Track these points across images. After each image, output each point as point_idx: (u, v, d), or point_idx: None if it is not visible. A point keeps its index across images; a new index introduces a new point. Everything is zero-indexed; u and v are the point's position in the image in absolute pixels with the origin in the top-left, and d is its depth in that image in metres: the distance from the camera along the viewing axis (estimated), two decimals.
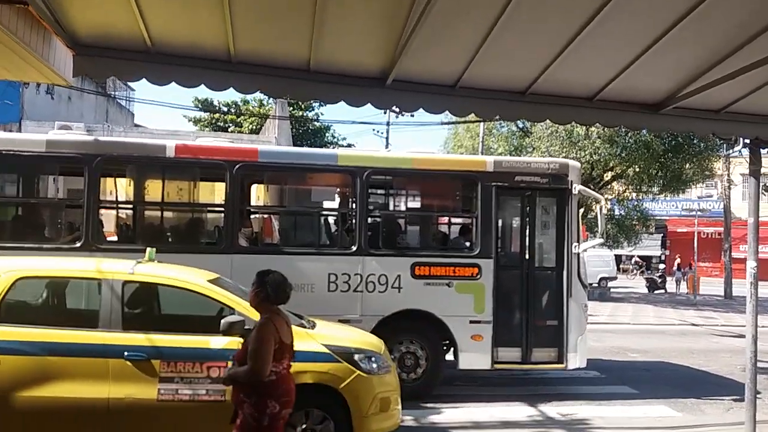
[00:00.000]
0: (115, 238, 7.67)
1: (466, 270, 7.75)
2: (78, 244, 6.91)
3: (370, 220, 7.83)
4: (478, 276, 7.72)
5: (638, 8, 4.44)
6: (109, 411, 4.54)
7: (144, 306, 5.25)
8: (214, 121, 33.13)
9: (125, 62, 5.15)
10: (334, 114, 75.16)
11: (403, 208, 9.34)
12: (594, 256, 24.49)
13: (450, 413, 6.97)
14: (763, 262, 9.19)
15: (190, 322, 5.07)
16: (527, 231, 8.23)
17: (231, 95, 36.11)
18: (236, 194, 7.45)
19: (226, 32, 4.71)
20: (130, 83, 23.38)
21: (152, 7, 4.46)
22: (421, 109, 5.89)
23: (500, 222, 8.23)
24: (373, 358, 5.11)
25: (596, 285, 25.02)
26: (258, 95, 28.61)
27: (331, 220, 8.50)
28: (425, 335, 7.71)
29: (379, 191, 8.75)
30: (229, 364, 3.95)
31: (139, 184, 7.82)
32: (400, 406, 5.30)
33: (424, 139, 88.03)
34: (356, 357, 5.00)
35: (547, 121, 6.80)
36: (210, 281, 5.10)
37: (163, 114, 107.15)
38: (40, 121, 16.76)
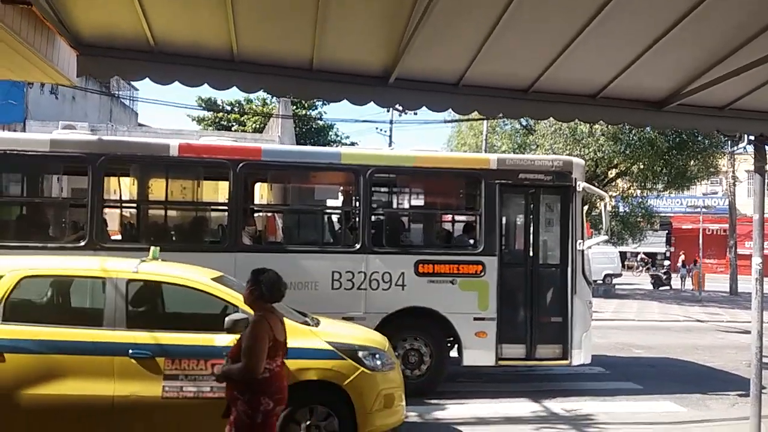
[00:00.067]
0: (119, 237, 7.70)
1: (470, 267, 7.76)
2: (82, 243, 6.94)
3: (373, 218, 7.84)
4: (482, 273, 7.73)
5: (639, 8, 4.44)
6: (114, 408, 4.56)
7: (148, 304, 5.26)
8: (217, 120, 33.20)
9: (129, 62, 5.17)
10: (337, 113, 75.18)
11: (406, 206, 9.35)
12: (599, 253, 24.42)
13: (454, 409, 6.98)
14: None
15: (194, 320, 5.09)
16: (531, 228, 8.22)
17: (234, 94, 36.20)
18: (240, 193, 7.47)
19: (228, 31, 4.73)
20: (133, 83, 23.44)
21: (155, 6, 4.47)
22: (424, 108, 5.90)
23: (504, 219, 8.23)
24: (377, 355, 5.12)
25: (601, 282, 24.98)
26: (261, 94, 28.68)
27: (334, 218, 8.51)
28: (429, 332, 7.72)
29: (382, 189, 8.76)
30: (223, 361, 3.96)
31: (142, 184, 7.85)
32: (404, 403, 5.32)
33: (427, 137, 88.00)
34: (360, 354, 5.01)
35: (551, 119, 6.79)
36: (214, 279, 5.12)
37: (166, 113, 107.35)
38: (45, 120, 16.82)
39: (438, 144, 34.71)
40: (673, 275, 29.76)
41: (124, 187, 8.20)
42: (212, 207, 8.36)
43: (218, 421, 3.87)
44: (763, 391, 6.36)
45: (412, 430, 6.03)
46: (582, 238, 8.04)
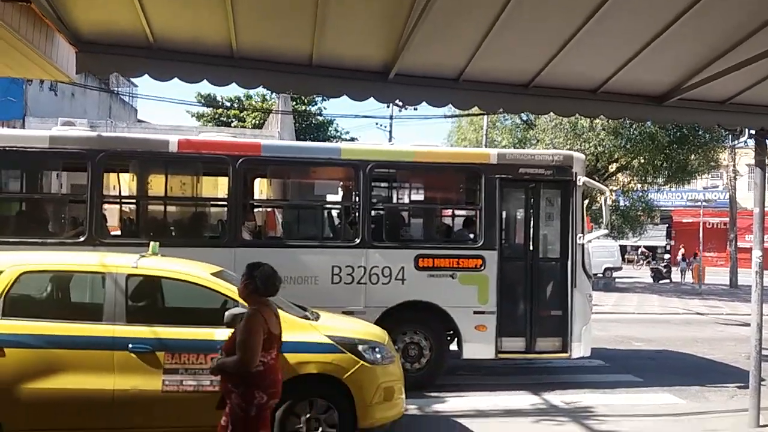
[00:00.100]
0: (118, 233, 7.71)
1: (470, 261, 7.77)
2: (82, 239, 6.96)
3: (373, 213, 7.85)
4: (482, 267, 7.74)
5: (639, 4, 4.45)
6: (114, 402, 4.58)
7: (148, 299, 5.28)
8: (217, 117, 33.17)
9: (128, 58, 5.18)
10: (336, 108, 74.99)
11: (406, 201, 9.35)
12: (599, 247, 24.43)
13: (454, 402, 7.00)
14: None
15: (193, 314, 5.11)
16: (531, 222, 8.23)
17: (234, 90, 36.24)
18: (239, 188, 7.48)
19: (228, 28, 4.73)
20: (132, 79, 23.42)
21: (154, 3, 4.48)
22: (424, 103, 5.91)
23: (504, 214, 8.23)
24: (376, 349, 5.14)
25: (601, 275, 25.00)
26: (261, 90, 28.70)
27: (334, 213, 8.52)
28: (429, 326, 7.74)
29: (382, 184, 8.77)
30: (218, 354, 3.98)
31: (142, 179, 7.86)
32: (404, 396, 5.34)
33: (427, 133, 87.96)
34: (360, 347, 5.03)
35: (551, 113, 6.79)
36: (213, 274, 5.14)
37: (166, 110, 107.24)
38: (44, 117, 16.83)
39: (438, 139, 34.72)
40: (673, 269, 29.79)
41: (124, 183, 8.21)
42: (212, 202, 8.37)
43: (217, 414, 3.89)
44: (762, 383, 6.39)
45: (412, 423, 6.05)
46: (582, 232, 8.05)
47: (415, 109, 27.82)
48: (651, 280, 28.55)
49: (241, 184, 7.54)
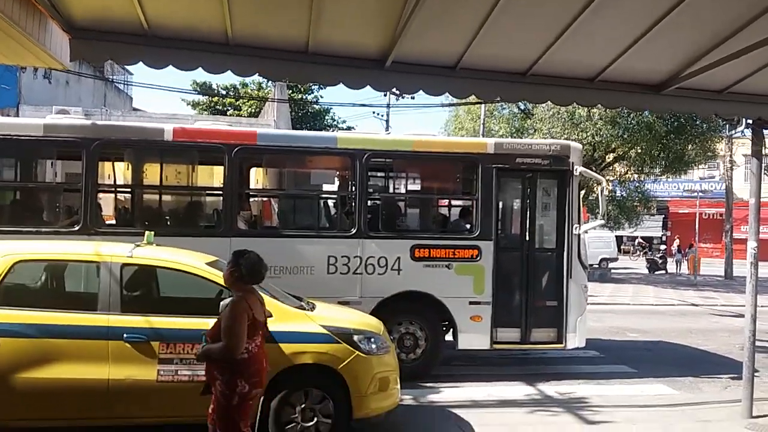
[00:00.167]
0: (113, 222, 7.68)
1: (466, 252, 7.76)
2: (76, 228, 6.93)
3: (369, 202, 7.83)
4: (478, 258, 7.74)
5: None
6: (109, 392, 4.58)
7: (143, 288, 5.27)
8: (212, 105, 33.00)
9: (122, 45, 5.13)
10: (333, 97, 74.75)
11: (403, 190, 9.33)
12: (595, 238, 24.52)
13: (449, 392, 7.02)
14: (764, 243, 9.18)
15: (188, 304, 5.10)
16: (528, 213, 8.22)
17: (229, 78, 35.95)
18: (235, 178, 7.44)
19: (223, 15, 4.69)
20: (127, 67, 23.23)
21: None
22: (421, 92, 5.87)
23: (501, 204, 8.22)
24: (372, 339, 5.14)
25: (597, 266, 25.08)
26: (257, 78, 28.46)
27: (330, 203, 8.50)
28: (424, 316, 7.74)
29: (378, 174, 8.74)
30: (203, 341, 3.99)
31: (137, 168, 7.81)
32: (399, 386, 5.35)
33: (424, 122, 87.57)
34: (355, 338, 5.03)
35: (549, 102, 6.77)
36: (209, 264, 5.12)
37: (161, 98, 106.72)
38: (38, 105, 16.72)
39: (435, 128, 34.64)
40: (669, 259, 29.89)
41: (119, 171, 8.16)
42: (207, 192, 8.34)
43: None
44: (755, 374, 6.43)
45: (407, 413, 6.06)
46: (578, 223, 8.05)
47: (413, 98, 27.91)
48: (647, 271, 28.66)
49: (236, 173, 7.50)
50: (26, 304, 4.76)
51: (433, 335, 7.72)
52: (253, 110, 30.43)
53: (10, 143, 7.03)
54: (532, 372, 8.16)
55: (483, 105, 22.09)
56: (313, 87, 33.16)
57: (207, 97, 33.04)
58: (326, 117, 36.39)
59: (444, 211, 9.20)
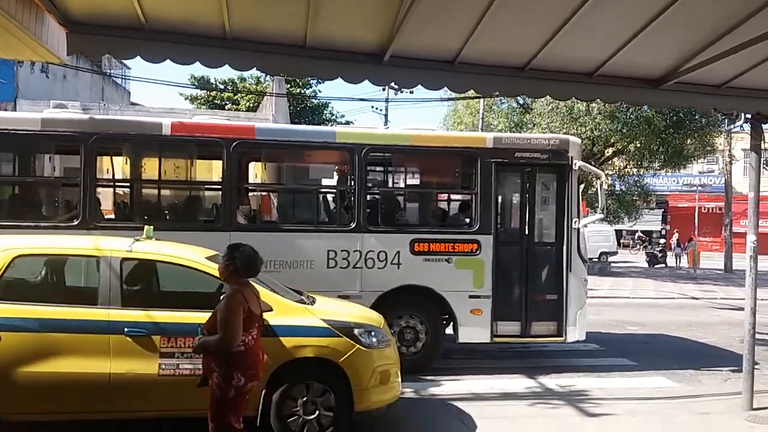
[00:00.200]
0: (112, 216, 7.67)
1: (466, 246, 7.76)
2: (75, 223, 6.91)
3: (368, 197, 7.81)
4: (478, 252, 7.74)
5: None
6: (111, 386, 4.57)
7: (143, 283, 5.26)
8: (210, 99, 32.93)
9: (119, 40, 5.11)
10: (332, 91, 74.66)
11: (402, 185, 9.32)
12: (594, 232, 24.51)
13: (449, 386, 7.03)
14: (763, 236, 9.19)
15: (189, 298, 5.09)
16: (527, 207, 8.22)
17: (227, 73, 35.93)
18: (234, 172, 7.42)
19: (220, 8, 4.66)
20: (125, 61, 23.18)
21: None
22: (419, 86, 5.85)
23: (500, 198, 8.22)
24: (372, 333, 5.14)
25: (596, 260, 25.10)
26: (255, 73, 28.44)
27: (329, 197, 8.49)
28: (425, 310, 7.75)
29: (377, 168, 8.73)
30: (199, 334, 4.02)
31: (135, 162, 7.79)
32: (399, 379, 5.35)
33: (423, 116, 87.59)
34: (356, 331, 5.02)
35: (548, 97, 6.75)
36: (208, 258, 5.10)
37: (159, 92, 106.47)
38: (35, 100, 16.67)
39: (434, 123, 34.56)
40: (668, 253, 29.92)
41: (117, 166, 8.15)
42: (206, 186, 8.32)
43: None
44: (755, 366, 6.44)
45: (408, 406, 6.08)
46: (578, 217, 8.05)
47: (411, 92, 27.77)
48: (646, 265, 28.69)
49: (235, 167, 7.48)
50: (26, 299, 4.75)
51: (433, 329, 7.73)
52: (251, 105, 30.36)
53: (7, 138, 7.00)
54: (533, 365, 8.17)
55: (482, 99, 22.07)
56: (311, 81, 33.08)
57: (205, 91, 32.97)
58: (325, 111, 36.32)
59: (443, 205, 9.19)
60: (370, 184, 7.93)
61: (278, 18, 4.93)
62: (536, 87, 5.99)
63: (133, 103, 24.95)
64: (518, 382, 7.31)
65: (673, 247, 30.34)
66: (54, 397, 4.56)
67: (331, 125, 31.50)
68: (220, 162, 7.37)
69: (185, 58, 5.14)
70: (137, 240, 5.11)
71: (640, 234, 39.31)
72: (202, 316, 4.69)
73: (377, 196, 8.12)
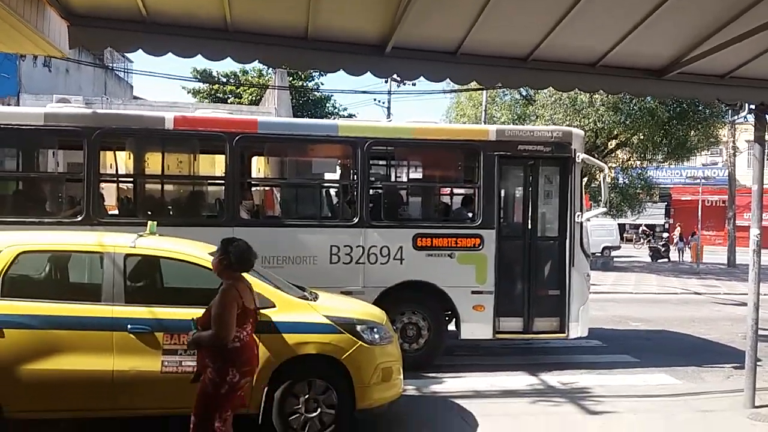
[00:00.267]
0: (116, 212, 7.65)
1: (468, 241, 7.74)
2: (79, 218, 6.90)
3: (371, 191, 7.78)
4: (480, 247, 7.71)
5: None
6: (114, 383, 4.58)
7: (146, 279, 5.25)
8: (213, 93, 32.87)
9: (121, 33, 5.09)
10: (334, 84, 74.45)
11: (404, 179, 9.28)
12: (597, 226, 24.49)
13: (452, 383, 7.03)
14: (767, 230, 9.15)
15: (192, 294, 5.08)
16: (530, 201, 8.17)
17: (230, 66, 35.80)
18: (236, 166, 7.40)
19: (221, 0, 4.63)
20: (127, 54, 23.13)
21: None
22: (422, 78, 5.81)
23: (503, 192, 8.18)
24: (375, 329, 5.13)
25: (599, 254, 25.06)
26: (257, 65, 28.38)
27: (332, 191, 8.45)
28: (427, 306, 7.73)
29: (380, 162, 8.69)
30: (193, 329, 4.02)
31: (138, 157, 7.77)
32: (402, 376, 5.35)
33: (426, 109, 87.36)
34: (358, 328, 5.01)
35: (550, 88, 6.72)
36: (211, 254, 5.08)
37: (162, 85, 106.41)
38: (38, 94, 16.65)
39: (437, 115, 34.51)
40: (672, 247, 29.85)
41: (120, 160, 8.13)
42: (209, 181, 8.30)
43: None
44: (758, 363, 6.41)
45: (410, 404, 6.08)
46: (581, 211, 8.00)
47: (414, 84, 27.69)
48: (649, 260, 28.63)
49: (238, 161, 7.47)
50: (30, 295, 4.75)
51: (435, 325, 7.71)
52: (253, 98, 30.32)
53: (10, 132, 6.99)
54: (535, 362, 8.16)
55: (485, 91, 21.97)
56: (313, 74, 33.01)
57: (207, 84, 32.93)
58: (327, 104, 36.26)
59: (446, 199, 9.15)
60: (372, 178, 7.90)
61: (280, 9, 4.90)
62: (539, 78, 5.96)
63: (135, 97, 24.91)
64: (520, 379, 7.30)
65: (675, 241, 30.28)
66: (57, 394, 4.57)
67: (334, 118, 31.48)
68: (223, 156, 7.35)
69: (187, 51, 5.12)
70: (141, 236, 5.11)
71: (644, 228, 39.24)
72: None
73: (380, 191, 8.09)
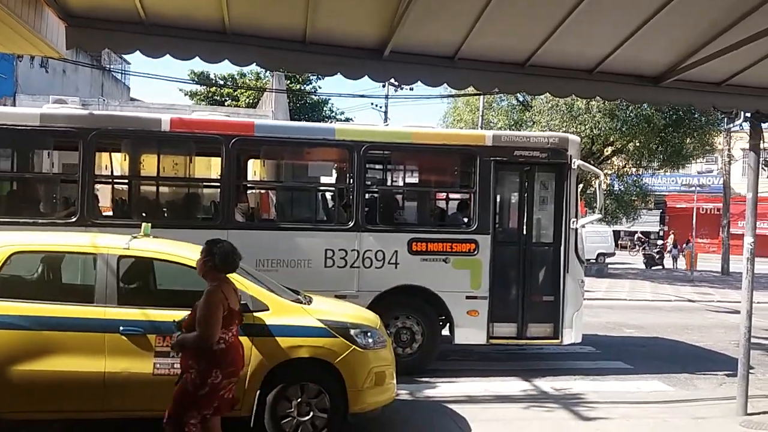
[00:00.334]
0: (110, 213, 7.64)
1: (463, 246, 7.74)
2: (73, 219, 6.88)
3: (367, 195, 7.79)
4: (475, 252, 7.72)
5: None
6: (105, 385, 4.56)
7: (139, 281, 5.23)
8: (210, 95, 32.86)
9: (119, 34, 5.09)
10: (332, 87, 74.55)
11: (400, 183, 9.30)
12: (592, 232, 24.51)
13: (445, 387, 7.02)
14: (761, 238, 9.18)
15: (185, 297, 5.03)
16: (525, 206, 8.19)
17: (227, 68, 35.83)
18: (232, 169, 7.39)
19: (220, 2, 4.64)
20: (124, 56, 23.11)
21: None
22: (419, 82, 5.83)
23: (498, 197, 8.19)
24: (368, 333, 5.12)
25: (594, 261, 25.09)
26: (254, 68, 28.32)
27: (328, 195, 8.46)
28: (421, 310, 7.72)
29: (376, 166, 8.71)
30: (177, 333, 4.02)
31: (134, 159, 7.76)
32: (395, 381, 5.34)
33: (423, 114, 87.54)
34: (352, 332, 5.01)
35: (547, 94, 6.75)
36: None
37: (159, 87, 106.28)
38: (35, 95, 16.62)
39: (434, 120, 34.51)
40: (666, 255, 29.91)
41: (116, 162, 8.11)
42: (204, 183, 8.30)
43: None
44: (750, 371, 6.43)
45: (403, 408, 6.07)
46: (576, 217, 8.03)
47: (411, 89, 27.70)
48: (643, 267, 28.69)
49: (234, 164, 7.46)
50: (22, 296, 4.72)
51: (429, 330, 7.71)
52: (250, 101, 30.31)
53: (6, 133, 6.97)
54: (529, 367, 8.16)
55: (482, 97, 22.02)
56: (311, 77, 33.03)
57: (205, 87, 32.90)
58: (324, 108, 36.28)
59: (442, 204, 9.16)
60: (368, 182, 7.91)
61: (278, 13, 4.91)
62: (536, 84, 5.99)
63: (132, 99, 24.90)
64: (514, 385, 7.30)
65: (669, 248, 30.34)
66: (48, 395, 4.54)
67: (331, 122, 31.50)
68: (219, 159, 7.34)
69: (185, 52, 5.12)
70: (134, 237, 5.09)
71: (640, 235, 39.30)
72: None
73: (376, 195, 8.10)
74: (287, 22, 5.01)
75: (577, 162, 7.98)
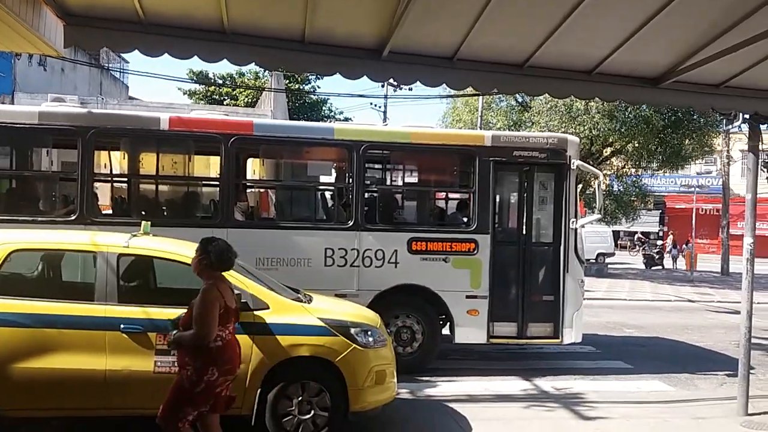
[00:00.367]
0: (109, 212, 7.63)
1: (463, 245, 7.74)
2: (72, 218, 6.87)
3: (366, 194, 7.79)
4: (475, 251, 7.71)
5: None
6: (106, 383, 4.55)
7: (139, 279, 5.23)
8: (209, 94, 32.84)
9: (117, 33, 5.07)
10: (331, 87, 74.56)
11: (400, 182, 9.30)
12: (592, 232, 24.52)
13: (445, 386, 7.02)
14: (760, 239, 9.19)
15: (185, 295, 5.01)
16: (525, 206, 8.20)
17: (226, 67, 35.81)
18: (231, 168, 7.39)
19: (219, 2, 4.63)
20: (123, 55, 23.10)
21: None
22: (418, 83, 5.82)
23: (498, 197, 8.20)
24: (369, 332, 5.12)
25: (593, 261, 25.10)
26: (253, 68, 28.34)
27: (327, 194, 8.46)
28: (421, 310, 7.72)
29: (376, 166, 8.70)
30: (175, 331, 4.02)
31: (133, 157, 7.75)
32: (395, 379, 5.33)
33: (422, 114, 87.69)
34: (352, 331, 5.00)
35: (546, 95, 6.75)
36: None
37: (158, 86, 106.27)
38: (33, 93, 16.59)
39: (433, 120, 34.49)
40: (666, 255, 29.93)
41: (115, 160, 8.10)
42: (204, 182, 8.29)
43: None
44: (751, 371, 6.43)
45: (404, 407, 6.07)
46: (575, 217, 8.03)
47: (410, 89, 27.71)
48: (643, 267, 28.70)
49: (233, 163, 7.45)
50: (23, 294, 4.71)
51: (430, 329, 7.71)
52: (249, 100, 30.30)
53: (4, 131, 6.96)
54: (529, 367, 8.16)
55: (481, 97, 22.03)
56: (310, 77, 33.02)
57: (203, 86, 32.89)
58: (323, 108, 36.27)
59: (441, 203, 9.16)
60: (368, 182, 7.91)
61: (277, 12, 4.90)
62: (535, 85, 5.98)
63: (131, 98, 24.87)
64: (514, 384, 7.30)
65: (668, 248, 30.35)
66: (49, 393, 4.53)
67: (330, 122, 31.49)
68: (218, 158, 7.34)
69: (183, 52, 5.11)
70: (134, 236, 5.08)
71: (640, 235, 39.31)
72: None
73: (375, 194, 8.10)
74: (286, 22, 5.00)
75: (576, 162, 7.98)
